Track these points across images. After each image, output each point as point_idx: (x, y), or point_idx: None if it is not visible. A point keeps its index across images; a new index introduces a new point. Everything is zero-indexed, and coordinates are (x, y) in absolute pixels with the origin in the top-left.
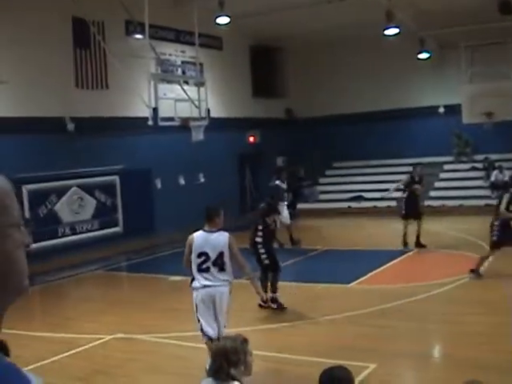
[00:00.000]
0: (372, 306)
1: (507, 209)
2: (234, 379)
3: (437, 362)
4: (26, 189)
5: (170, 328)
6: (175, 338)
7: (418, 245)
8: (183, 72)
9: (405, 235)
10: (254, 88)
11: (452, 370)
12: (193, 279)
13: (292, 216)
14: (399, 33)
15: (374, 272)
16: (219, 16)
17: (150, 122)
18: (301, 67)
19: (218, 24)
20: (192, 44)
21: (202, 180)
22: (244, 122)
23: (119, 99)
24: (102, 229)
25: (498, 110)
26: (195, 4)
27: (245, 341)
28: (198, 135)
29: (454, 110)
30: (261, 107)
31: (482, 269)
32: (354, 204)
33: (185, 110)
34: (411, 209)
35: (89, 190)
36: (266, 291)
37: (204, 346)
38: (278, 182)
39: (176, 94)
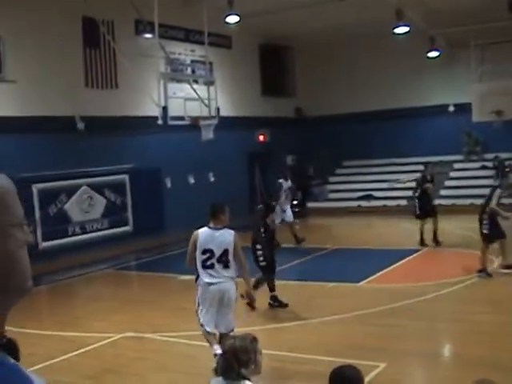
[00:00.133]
0: (382, 305)
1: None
2: (245, 378)
3: (446, 361)
4: (35, 188)
5: (179, 327)
6: (184, 336)
7: (435, 241)
8: (193, 71)
9: (421, 234)
10: (263, 87)
11: (462, 369)
12: (198, 276)
13: (300, 215)
14: (409, 31)
15: (384, 271)
16: (228, 15)
17: (160, 121)
18: (310, 66)
19: (228, 23)
20: (201, 43)
21: (212, 179)
22: (253, 121)
23: (129, 98)
24: (111, 228)
25: (507, 109)
26: (204, 3)
27: (254, 339)
28: (208, 134)
29: (463, 108)
30: (270, 106)
31: (490, 268)
32: (363, 203)
33: (194, 109)
34: (425, 208)
35: (99, 189)
36: (273, 290)
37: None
38: (280, 181)
39: (186, 93)
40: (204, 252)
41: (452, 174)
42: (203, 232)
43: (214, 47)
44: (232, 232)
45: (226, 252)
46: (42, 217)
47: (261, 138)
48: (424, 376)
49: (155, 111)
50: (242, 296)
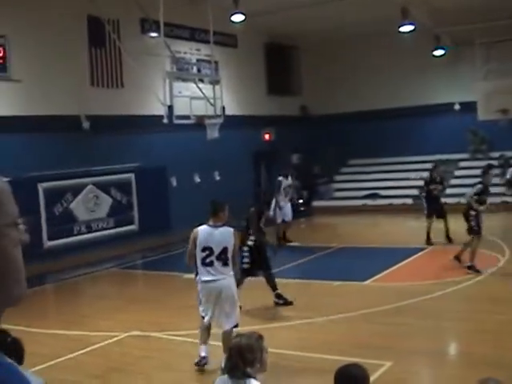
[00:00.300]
0: (387, 304)
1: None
2: (250, 377)
3: (452, 360)
4: (41, 187)
5: (185, 326)
6: (190, 335)
7: (448, 239)
8: (198, 70)
9: (428, 233)
10: (268, 85)
11: (468, 367)
12: (197, 273)
13: (305, 213)
14: (414, 30)
15: (390, 270)
16: (234, 14)
17: (166, 120)
18: (315, 64)
19: (233, 22)
20: (207, 42)
21: (218, 178)
22: (259, 120)
23: (134, 97)
24: (117, 227)
25: None
26: (210, 2)
27: (260, 338)
28: (213, 133)
29: (469, 107)
30: (275, 105)
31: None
32: (369, 201)
33: (200, 108)
34: (433, 207)
35: (104, 188)
36: (275, 288)
37: (219, 343)
38: (280, 178)
39: (191, 91)
40: (203, 250)
41: (457, 173)
42: (203, 230)
43: (219, 46)
44: (231, 230)
45: (225, 250)
46: (48, 216)
47: (266, 136)
48: (429, 374)
49: (161, 110)
50: (276, 303)
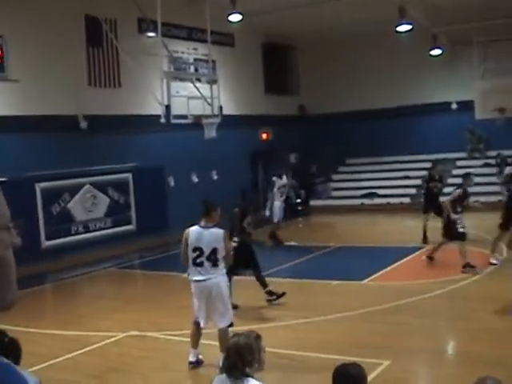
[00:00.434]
0: (386, 303)
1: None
2: (248, 376)
3: (451, 359)
4: (39, 187)
5: (183, 326)
6: (188, 335)
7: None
8: (196, 69)
9: (424, 232)
10: (266, 85)
11: (466, 366)
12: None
13: (303, 213)
14: (411, 29)
15: (388, 269)
16: (231, 13)
17: (163, 120)
18: (313, 64)
19: (230, 21)
20: (204, 41)
21: (215, 177)
22: (256, 119)
23: (132, 97)
24: (115, 227)
25: (510, 106)
26: (207, 2)
27: (258, 337)
28: (211, 133)
29: (466, 106)
30: (273, 104)
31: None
32: (366, 201)
33: (197, 108)
34: (431, 204)
35: (102, 187)
36: (266, 286)
37: (216, 343)
38: (274, 178)
39: (188, 91)
40: (194, 250)
41: (455, 172)
42: (194, 230)
43: (216, 45)
44: (221, 231)
45: (214, 251)
46: (46, 216)
47: (264, 136)
48: (428, 373)
49: (158, 110)
50: (269, 301)
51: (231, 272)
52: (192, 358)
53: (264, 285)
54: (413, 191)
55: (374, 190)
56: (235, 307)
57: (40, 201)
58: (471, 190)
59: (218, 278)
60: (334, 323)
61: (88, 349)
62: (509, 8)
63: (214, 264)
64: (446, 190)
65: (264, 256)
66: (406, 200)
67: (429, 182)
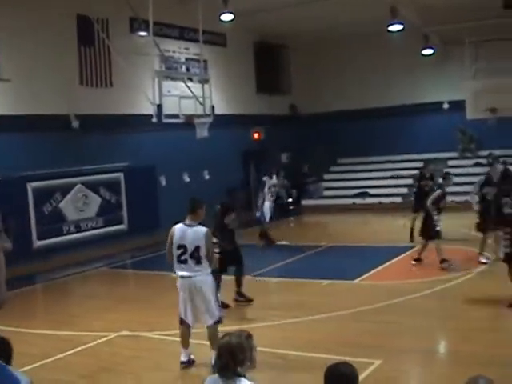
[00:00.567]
0: (377, 302)
1: (434, 204)
2: (240, 376)
3: (442, 358)
4: (30, 186)
5: (175, 325)
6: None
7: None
8: (187, 69)
9: (411, 231)
10: (258, 84)
11: (457, 365)
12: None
13: (295, 212)
14: (403, 29)
15: (379, 268)
16: (223, 13)
17: (155, 120)
18: (305, 64)
19: (222, 21)
20: (196, 41)
21: (207, 177)
22: (248, 119)
23: (123, 96)
24: (106, 226)
25: (502, 106)
26: (199, 1)
27: (249, 336)
28: (203, 132)
29: (458, 105)
30: (265, 104)
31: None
32: (358, 200)
33: (189, 107)
34: (421, 204)
35: (93, 187)
36: (240, 286)
37: (207, 342)
38: (264, 178)
39: (180, 91)
40: (178, 247)
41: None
42: (178, 228)
43: (208, 45)
44: (204, 229)
45: (197, 248)
46: (37, 215)
47: (255, 135)
48: (419, 373)
49: (150, 109)
50: (236, 300)
51: (220, 271)
52: (183, 358)
53: (239, 285)
54: (404, 191)
55: (365, 190)
56: (226, 306)
57: (31, 200)
58: (464, 189)
59: (202, 276)
60: (324, 323)
61: (79, 349)
62: (500, 8)
63: (198, 262)
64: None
65: (255, 256)
66: (398, 199)
67: (420, 180)
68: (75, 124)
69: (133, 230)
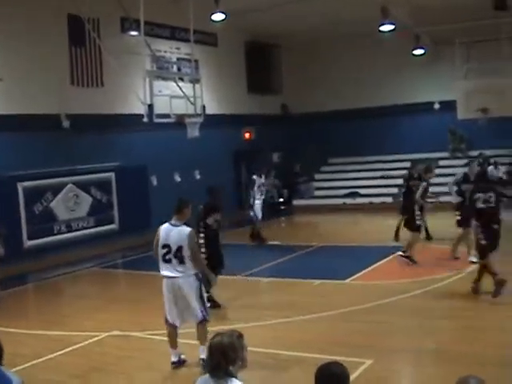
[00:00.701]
0: (368, 302)
1: (422, 197)
2: (232, 376)
3: (433, 358)
4: (21, 186)
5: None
6: None
7: (427, 235)
8: (178, 69)
9: (397, 230)
10: (249, 84)
11: (448, 365)
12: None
13: (283, 212)
14: (394, 29)
15: (370, 268)
16: (214, 13)
17: (146, 119)
18: (296, 63)
19: (214, 21)
20: (187, 41)
21: (198, 177)
22: (239, 119)
23: (114, 96)
24: (97, 226)
25: (492, 106)
26: (190, 1)
27: (240, 336)
28: (194, 132)
29: (449, 106)
30: (256, 103)
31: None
32: (349, 200)
33: (180, 107)
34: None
35: (84, 187)
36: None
37: (196, 342)
38: (254, 177)
39: (171, 90)
40: (163, 247)
41: (437, 171)
42: (164, 228)
43: (199, 45)
44: (187, 230)
45: (180, 248)
46: (28, 215)
47: (247, 135)
48: (410, 372)
49: (141, 109)
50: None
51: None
52: (174, 358)
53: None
54: (395, 191)
55: (356, 190)
56: (218, 306)
57: (22, 200)
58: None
59: (185, 278)
60: (316, 322)
61: (70, 349)
62: (491, 9)
63: (181, 261)
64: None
65: (247, 255)
66: (389, 199)
67: (408, 180)
68: (66, 124)
69: (124, 229)
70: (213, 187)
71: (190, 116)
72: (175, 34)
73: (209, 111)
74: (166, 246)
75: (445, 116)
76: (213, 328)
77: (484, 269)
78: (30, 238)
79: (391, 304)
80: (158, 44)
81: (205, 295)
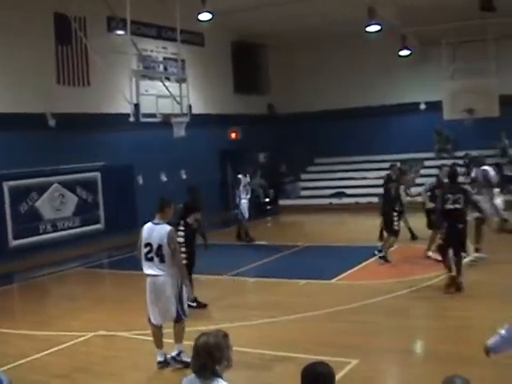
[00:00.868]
0: (354, 302)
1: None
2: (218, 376)
3: (419, 358)
4: (6, 185)
5: None
6: None
7: (412, 235)
8: (165, 68)
9: (381, 230)
10: (235, 84)
11: (434, 365)
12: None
13: (269, 212)
14: (381, 30)
15: (356, 268)
16: (201, 12)
17: (132, 119)
18: (283, 63)
19: (200, 20)
20: (174, 40)
21: (184, 176)
22: (226, 119)
23: (101, 95)
24: (83, 226)
25: (478, 107)
26: (177, 0)
27: (226, 335)
28: (180, 131)
29: (435, 106)
30: (242, 103)
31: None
32: (335, 200)
33: (166, 107)
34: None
35: (70, 186)
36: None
37: (190, 342)
38: (239, 176)
39: (158, 90)
40: (146, 245)
41: (423, 172)
42: (147, 227)
43: (186, 44)
44: (168, 228)
45: (160, 247)
46: (13, 214)
47: (233, 135)
48: (396, 372)
49: (127, 108)
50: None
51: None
52: (160, 358)
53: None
54: (381, 191)
55: (342, 190)
56: (203, 306)
57: (8, 199)
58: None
59: (165, 276)
60: (301, 322)
61: (56, 349)
62: (477, 10)
63: (162, 260)
64: (413, 189)
65: (233, 255)
66: (375, 200)
67: (387, 182)
68: (52, 123)
69: (110, 229)
70: (193, 186)
71: (176, 116)
72: (162, 33)
73: (195, 111)
74: (148, 244)
75: (431, 116)
76: (198, 328)
77: (459, 264)
78: (15, 238)
79: (377, 304)
80: (145, 43)
81: (185, 295)
